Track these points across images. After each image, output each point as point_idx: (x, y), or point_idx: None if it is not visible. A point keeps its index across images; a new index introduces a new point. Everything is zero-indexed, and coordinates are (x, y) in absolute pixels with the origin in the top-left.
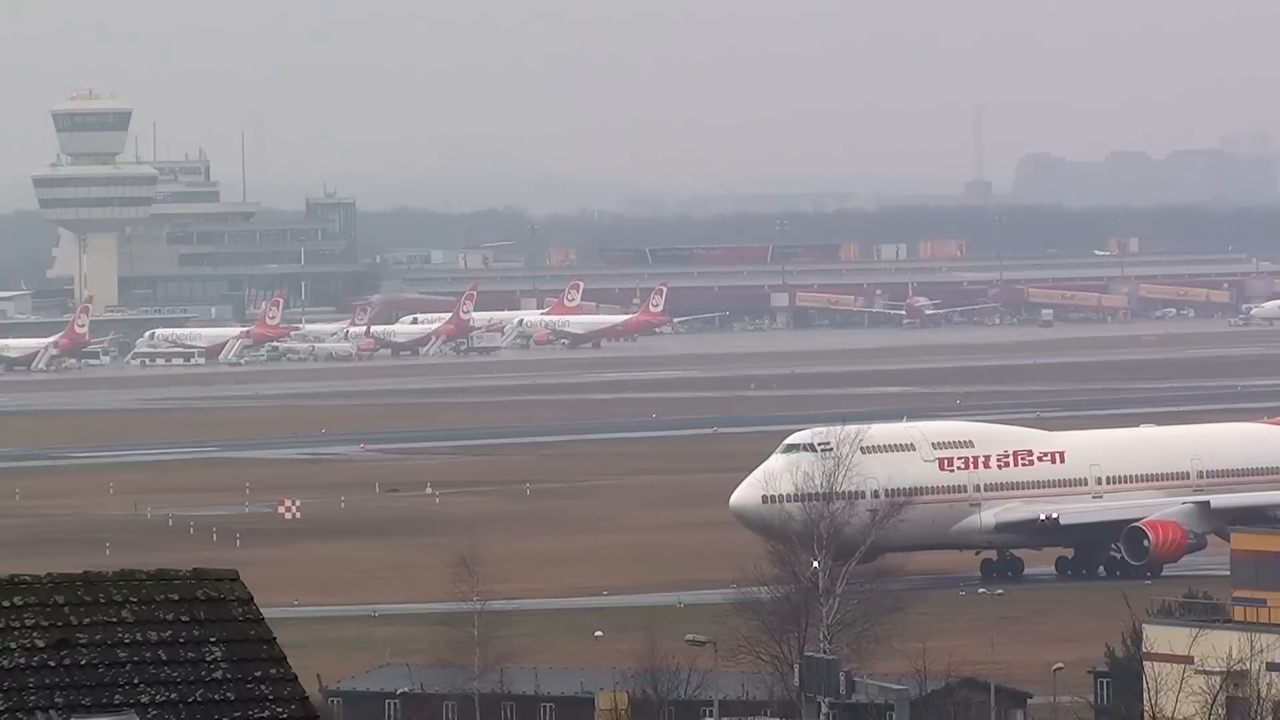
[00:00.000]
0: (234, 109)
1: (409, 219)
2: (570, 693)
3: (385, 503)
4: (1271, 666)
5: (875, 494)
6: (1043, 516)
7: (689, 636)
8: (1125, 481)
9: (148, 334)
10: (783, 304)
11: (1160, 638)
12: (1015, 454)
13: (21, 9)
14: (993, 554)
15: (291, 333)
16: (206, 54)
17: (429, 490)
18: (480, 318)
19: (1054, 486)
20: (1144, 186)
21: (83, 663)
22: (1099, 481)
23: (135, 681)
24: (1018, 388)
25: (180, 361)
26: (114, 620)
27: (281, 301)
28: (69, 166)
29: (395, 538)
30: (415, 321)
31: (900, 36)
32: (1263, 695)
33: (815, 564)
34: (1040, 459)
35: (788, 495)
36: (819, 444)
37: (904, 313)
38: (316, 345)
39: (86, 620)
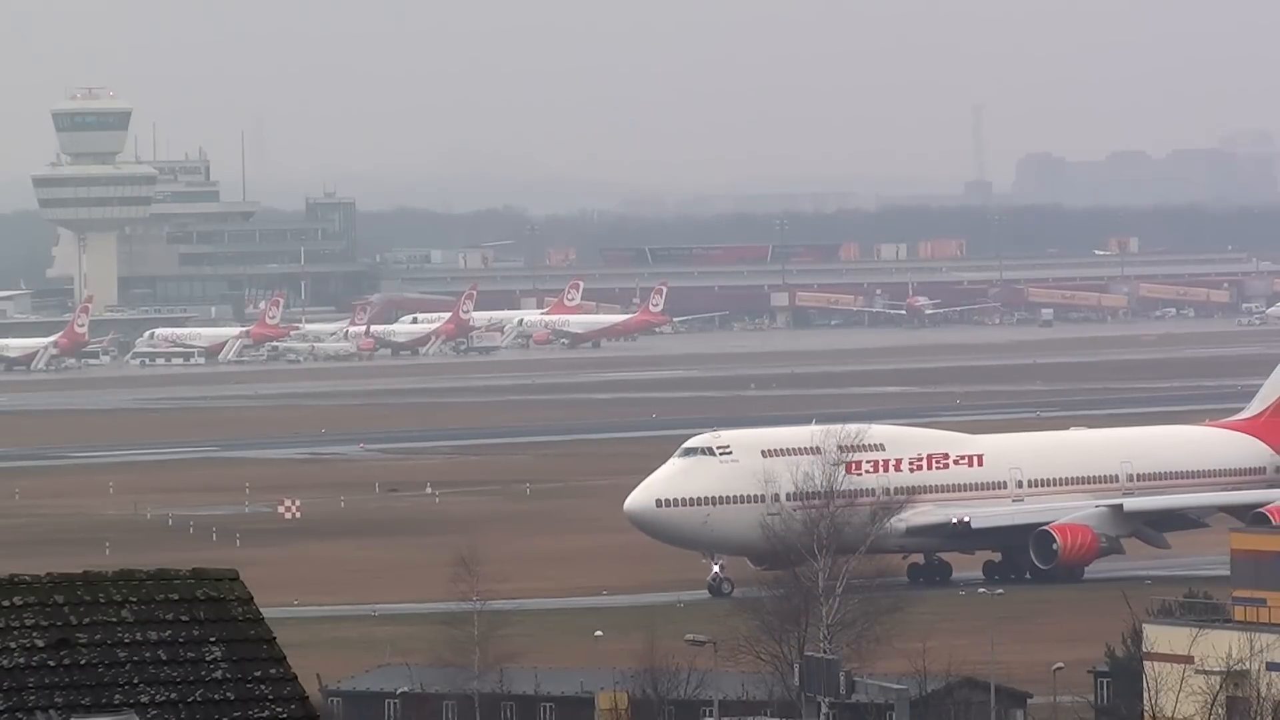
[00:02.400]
0: (234, 109)
1: (409, 219)
2: (570, 693)
3: (385, 503)
4: (1271, 666)
5: (776, 498)
6: (954, 520)
7: (689, 636)
8: (1049, 485)
9: (147, 334)
10: (783, 304)
11: (1160, 638)
12: (929, 457)
13: (21, 8)
14: (919, 558)
15: (291, 332)
16: (206, 54)
17: (429, 490)
18: (480, 317)
19: (971, 490)
20: (1144, 186)
21: (83, 663)
22: (1019, 485)
23: (135, 681)
24: (1018, 388)
25: (180, 361)
26: (114, 620)
27: (281, 301)
28: (69, 166)
29: (395, 538)
30: (415, 321)
31: (900, 36)
32: (1263, 695)
33: (715, 568)
34: (957, 462)
35: (683, 499)
36: (718, 448)
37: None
38: (316, 345)
39: (86, 620)
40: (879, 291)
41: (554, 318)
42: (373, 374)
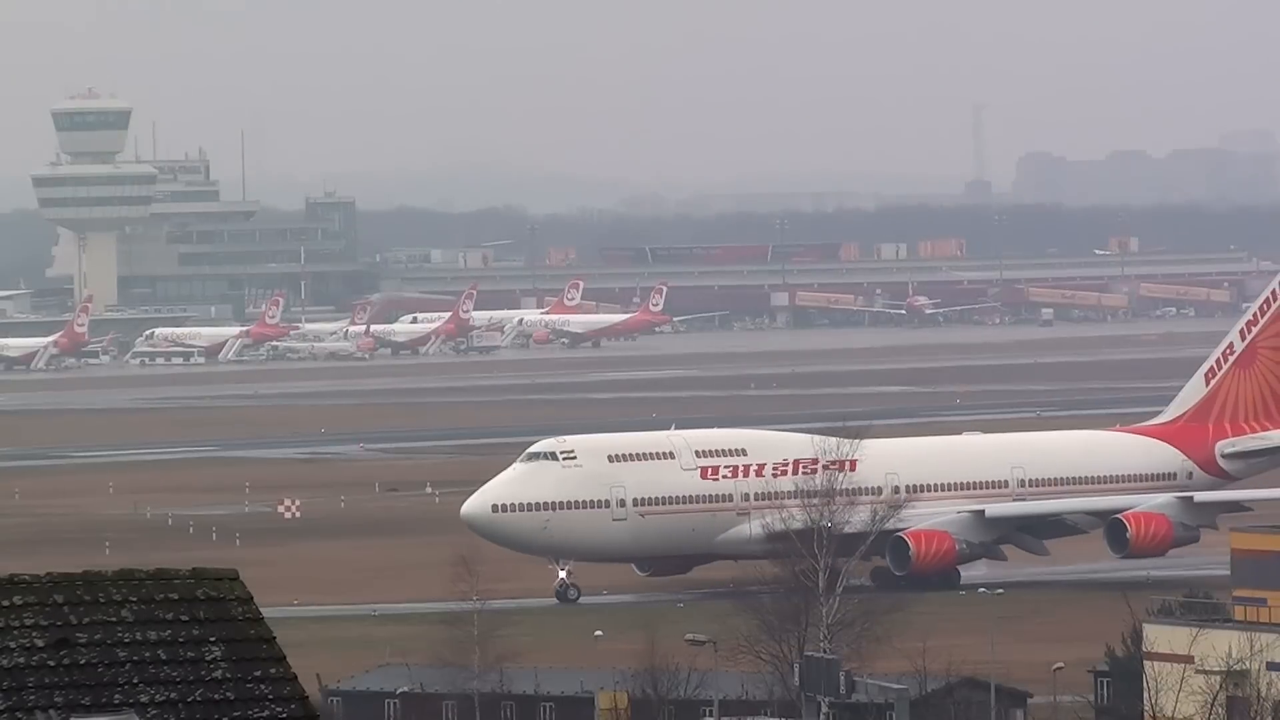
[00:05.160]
0: (234, 108)
1: (409, 218)
2: (570, 693)
3: (385, 502)
4: (1271, 666)
5: (621, 503)
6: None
7: (689, 636)
8: (930, 490)
9: (147, 333)
10: (783, 304)
11: (1160, 637)
12: (795, 462)
13: (21, 7)
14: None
15: (291, 332)
16: (206, 53)
17: (429, 490)
18: (480, 317)
19: (840, 495)
20: (1144, 186)
21: (82, 662)
22: (896, 490)
23: (135, 681)
24: (1018, 387)
25: (180, 361)
26: (114, 620)
27: (281, 301)
28: (69, 165)
29: (395, 538)
30: (415, 321)
31: (900, 36)
32: (1263, 695)
33: (562, 574)
34: (826, 467)
35: (522, 505)
36: (561, 453)
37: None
38: (316, 345)
39: (86, 620)
40: (879, 291)
41: (554, 317)
42: (373, 374)
